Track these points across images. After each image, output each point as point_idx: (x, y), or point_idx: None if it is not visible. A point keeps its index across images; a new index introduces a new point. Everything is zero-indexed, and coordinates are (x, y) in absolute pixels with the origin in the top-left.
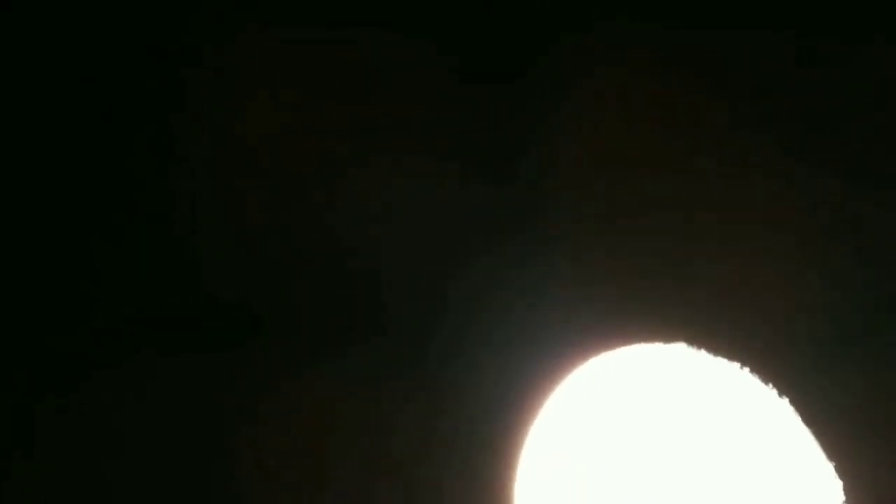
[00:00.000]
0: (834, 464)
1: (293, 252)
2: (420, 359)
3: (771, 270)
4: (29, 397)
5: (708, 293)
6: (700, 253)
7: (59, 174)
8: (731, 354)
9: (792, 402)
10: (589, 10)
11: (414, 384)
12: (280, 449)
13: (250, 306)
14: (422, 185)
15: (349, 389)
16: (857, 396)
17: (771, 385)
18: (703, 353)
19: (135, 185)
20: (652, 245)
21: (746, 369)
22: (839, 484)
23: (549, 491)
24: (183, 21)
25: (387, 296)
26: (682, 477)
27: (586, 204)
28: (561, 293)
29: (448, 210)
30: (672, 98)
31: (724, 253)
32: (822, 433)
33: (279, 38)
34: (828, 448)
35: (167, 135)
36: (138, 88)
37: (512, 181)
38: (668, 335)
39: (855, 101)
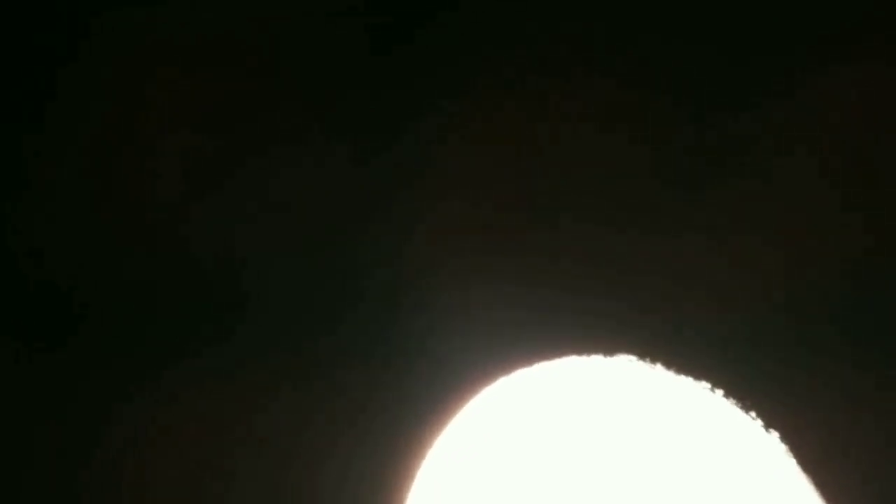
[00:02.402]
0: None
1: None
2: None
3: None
4: None
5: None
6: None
7: None
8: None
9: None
10: None
11: (287, 384)
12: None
13: (98, 296)
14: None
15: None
16: (818, 411)
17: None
18: (652, 366)
19: None
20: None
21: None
22: None
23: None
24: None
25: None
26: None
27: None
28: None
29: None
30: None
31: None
32: (796, 451)
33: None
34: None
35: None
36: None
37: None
38: (609, 346)
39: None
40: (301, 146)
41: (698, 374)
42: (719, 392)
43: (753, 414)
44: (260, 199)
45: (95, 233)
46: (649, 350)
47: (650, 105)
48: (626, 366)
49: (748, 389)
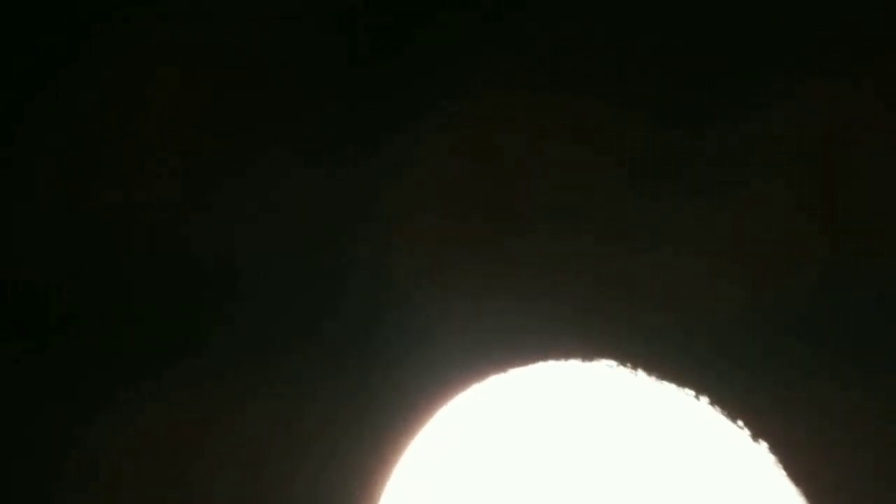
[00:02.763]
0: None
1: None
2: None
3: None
4: None
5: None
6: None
7: None
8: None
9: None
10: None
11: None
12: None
13: (90, 301)
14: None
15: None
16: (797, 422)
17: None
18: (632, 372)
19: None
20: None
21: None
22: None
23: None
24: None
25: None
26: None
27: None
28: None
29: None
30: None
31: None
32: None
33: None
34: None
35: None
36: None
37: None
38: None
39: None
40: (299, 147)
41: (680, 381)
42: (704, 399)
43: (741, 423)
44: (259, 199)
45: (96, 233)
46: (630, 356)
47: (628, 116)
48: (606, 371)
49: (731, 397)
